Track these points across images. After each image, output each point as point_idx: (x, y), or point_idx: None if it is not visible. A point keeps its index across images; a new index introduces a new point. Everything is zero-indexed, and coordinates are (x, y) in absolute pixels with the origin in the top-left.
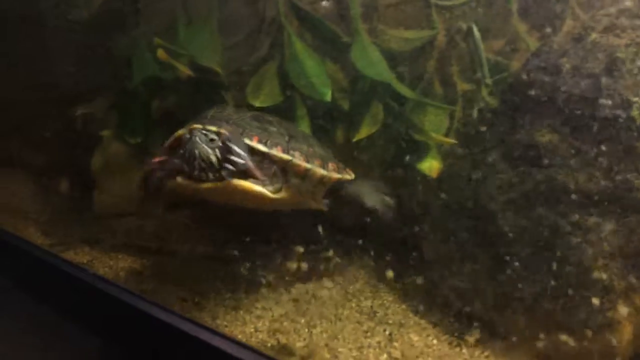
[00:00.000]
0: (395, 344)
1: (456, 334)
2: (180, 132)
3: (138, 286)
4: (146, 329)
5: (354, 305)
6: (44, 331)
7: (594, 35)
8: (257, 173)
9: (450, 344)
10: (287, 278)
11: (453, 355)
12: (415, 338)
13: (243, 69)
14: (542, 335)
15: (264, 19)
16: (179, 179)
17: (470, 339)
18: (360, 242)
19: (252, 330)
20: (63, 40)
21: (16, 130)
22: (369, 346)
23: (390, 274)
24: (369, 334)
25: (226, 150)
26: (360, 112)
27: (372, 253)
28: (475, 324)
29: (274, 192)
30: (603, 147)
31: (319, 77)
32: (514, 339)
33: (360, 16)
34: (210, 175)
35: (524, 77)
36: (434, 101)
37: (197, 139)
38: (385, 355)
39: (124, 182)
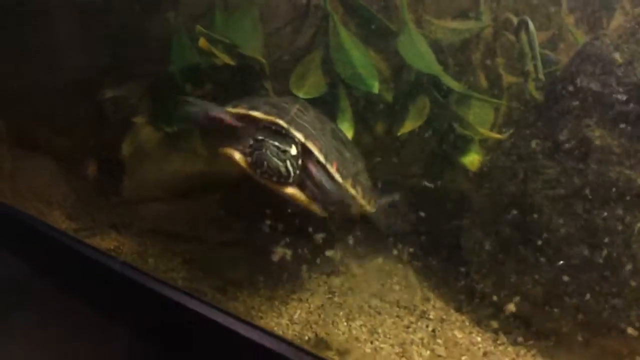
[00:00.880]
0: (439, 340)
1: (501, 332)
2: (255, 114)
3: (167, 274)
4: (177, 320)
5: (392, 299)
6: (68, 320)
7: None
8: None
9: (494, 341)
10: (323, 269)
11: (499, 353)
12: (459, 335)
13: (284, 58)
14: (589, 336)
15: (307, 5)
16: (236, 155)
17: (516, 338)
18: (398, 238)
19: (288, 322)
20: (93, 22)
21: (43, 115)
22: (412, 342)
23: (429, 269)
24: (410, 329)
25: (302, 166)
26: (404, 104)
27: (411, 249)
28: (521, 322)
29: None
30: None
31: (366, 68)
32: (561, 339)
33: (406, 5)
34: (274, 178)
35: (573, 70)
36: (479, 94)
37: (269, 152)
38: (428, 352)
39: (154, 169)
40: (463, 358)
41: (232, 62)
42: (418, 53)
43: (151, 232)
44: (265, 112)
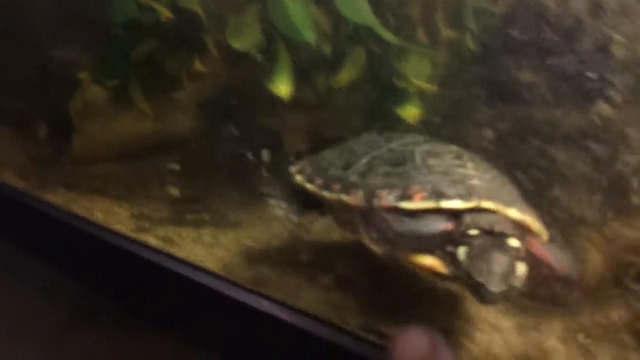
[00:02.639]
0: None
1: None
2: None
3: (115, 227)
4: (125, 268)
5: None
6: (16, 269)
7: None
8: None
9: None
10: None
11: None
12: None
13: (224, 11)
14: None
15: None
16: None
17: None
18: None
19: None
20: None
21: None
22: None
23: None
24: None
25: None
26: (342, 57)
27: None
28: None
29: None
30: (581, 84)
31: (302, 20)
32: None
33: None
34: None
35: (508, 19)
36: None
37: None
38: None
39: (103, 128)
40: None
41: (170, 16)
42: (353, 5)
43: (100, 191)
44: (462, 196)
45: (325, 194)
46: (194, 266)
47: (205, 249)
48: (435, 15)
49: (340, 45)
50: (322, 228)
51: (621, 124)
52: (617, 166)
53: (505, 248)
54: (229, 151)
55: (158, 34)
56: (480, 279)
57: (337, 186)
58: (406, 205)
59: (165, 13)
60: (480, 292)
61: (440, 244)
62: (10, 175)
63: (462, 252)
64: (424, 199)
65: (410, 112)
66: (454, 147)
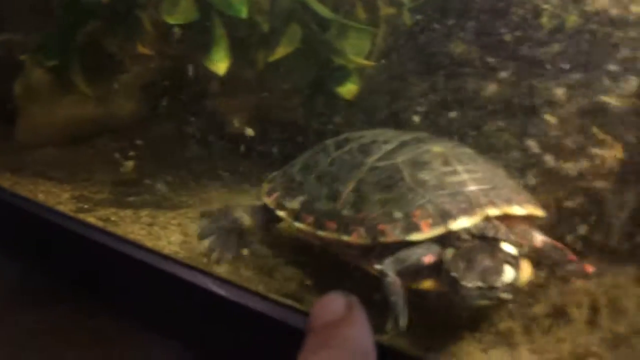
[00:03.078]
0: None
1: None
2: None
3: (56, 207)
4: (66, 247)
5: None
6: None
7: None
8: None
9: None
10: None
11: None
12: None
13: None
14: None
15: None
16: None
17: None
18: None
19: (166, 243)
20: None
21: None
22: None
23: None
24: None
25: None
26: (278, 33)
27: None
28: None
29: None
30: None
31: None
32: None
33: None
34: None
35: None
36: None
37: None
38: None
39: (46, 112)
40: None
41: None
42: None
43: (44, 174)
44: (466, 211)
45: (322, 234)
46: (132, 243)
47: (144, 228)
48: None
49: (277, 21)
50: None
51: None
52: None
53: (495, 251)
54: (173, 134)
55: (98, 14)
56: (455, 274)
57: (332, 224)
58: (415, 236)
59: None
60: (453, 288)
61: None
62: None
63: (449, 252)
64: (432, 225)
65: (349, 89)
66: (435, 149)
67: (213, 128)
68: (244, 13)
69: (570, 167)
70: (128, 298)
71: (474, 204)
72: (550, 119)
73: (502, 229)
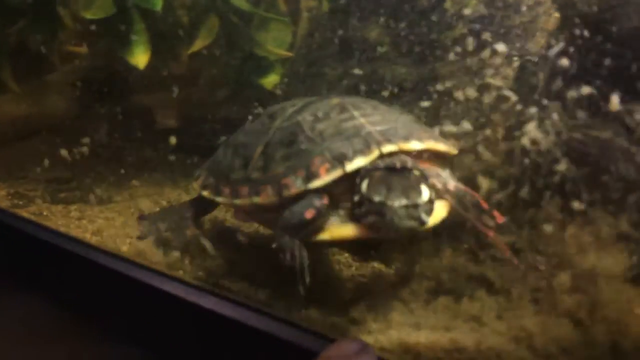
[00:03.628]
0: None
1: None
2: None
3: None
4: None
5: None
6: None
7: None
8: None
9: None
10: None
11: None
12: None
13: None
14: None
15: None
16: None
17: None
18: None
19: (89, 235)
20: None
21: None
22: None
23: None
24: None
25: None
26: (198, 26)
27: None
28: None
29: None
30: (418, 39)
31: None
32: None
33: None
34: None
35: None
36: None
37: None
38: None
39: None
40: None
41: None
42: None
43: None
44: (362, 151)
45: (237, 202)
46: (61, 234)
47: (73, 222)
48: None
49: (196, 14)
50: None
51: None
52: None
53: (408, 175)
54: (104, 130)
55: (23, 13)
56: (379, 198)
57: (244, 190)
58: (316, 183)
59: None
60: (379, 213)
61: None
62: None
63: (364, 185)
64: (329, 170)
65: (270, 80)
66: (334, 100)
67: (140, 123)
68: (158, 6)
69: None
70: (63, 287)
71: (370, 143)
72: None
73: (410, 161)
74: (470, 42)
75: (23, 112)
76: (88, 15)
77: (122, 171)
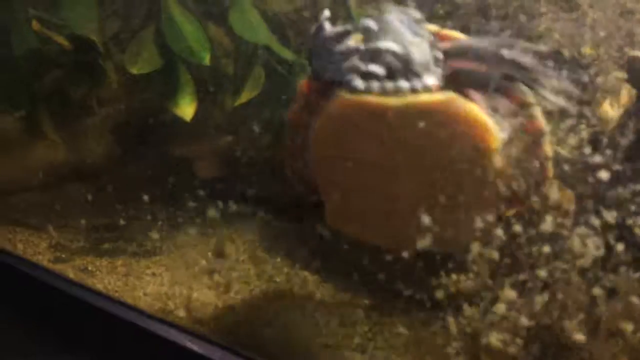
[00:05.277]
0: None
1: None
2: None
3: (34, 257)
4: (44, 298)
5: None
6: None
7: None
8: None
9: None
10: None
11: None
12: None
13: (121, 37)
14: None
15: None
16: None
17: None
18: None
19: (141, 294)
20: None
21: None
22: None
23: None
24: None
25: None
26: (243, 76)
27: None
28: None
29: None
30: None
31: (197, 41)
32: None
33: None
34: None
35: None
36: None
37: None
38: None
39: (19, 158)
40: None
41: (66, 44)
42: (248, 24)
43: (20, 221)
44: None
45: None
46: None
47: (120, 279)
48: None
49: (241, 64)
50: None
51: None
52: None
53: None
54: (144, 177)
55: (61, 63)
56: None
57: None
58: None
59: (61, 41)
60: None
61: None
62: None
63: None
64: None
65: None
66: None
67: (182, 170)
68: (206, 60)
69: None
70: (107, 349)
71: None
72: None
73: None
74: None
75: (60, 158)
76: (134, 70)
77: (164, 220)
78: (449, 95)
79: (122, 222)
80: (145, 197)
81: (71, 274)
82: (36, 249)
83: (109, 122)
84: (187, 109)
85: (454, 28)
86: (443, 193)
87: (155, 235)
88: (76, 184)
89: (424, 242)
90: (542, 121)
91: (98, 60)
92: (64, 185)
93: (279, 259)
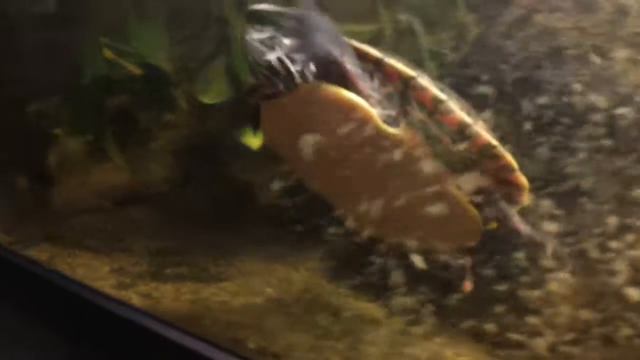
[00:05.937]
0: None
1: None
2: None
3: (96, 283)
4: (105, 324)
5: None
6: (4, 330)
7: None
8: (361, 83)
9: None
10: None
11: None
12: None
13: (192, 65)
14: None
15: (211, 14)
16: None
17: None
18: None
19: (209, 322)
20: (14, 35)
21: None
22: None
23: None
24: None
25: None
26: None
27: None
28: None
29: (386, 123)
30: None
31: None
32: None
33: None
34: (281, 86)
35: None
36: None
37: (248, 38)
38: None
39: (81, 180)
40: None
41: (137, 71)
42: None
43: (81, 243)
44: None
45: None
46: (175, 327)
47: (186, 306)
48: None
49: None
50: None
51: None
52: None
53: None
54: (206, 200)
55: (129, 89)
56: None
57: None
58: None
59: (132, 69)
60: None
61: None
62: None
63: None
64: None
65: None
66: None
67: (246, 196)
68: None
69: None
70: None
71: None
72: None
73: None
74: None
75: (123, 181)
76: (205, 100)
77: (227, 245)
78: (313, 84)
79: (184, 246)
80: (208, 221)
81: (135, 300)
82: (97, 273)
83: (172, 145)
84: (254, 140)
85: None
86: (342, 155)
87: (219, 260)
88: (137, 206)
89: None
90: (432, 89)
91: (168, 87)
92: (126, 208)
93: (343, 290)
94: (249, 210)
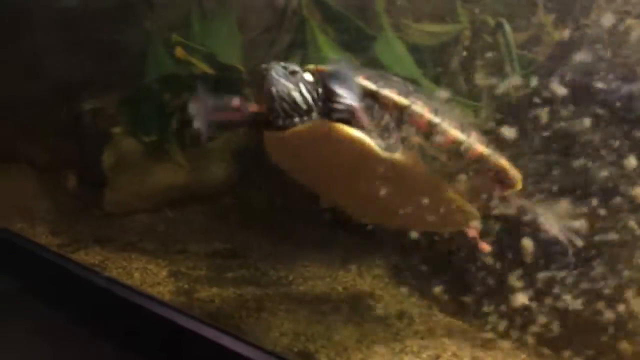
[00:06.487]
0: None
1: None
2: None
3: (154, 288)
4: (164, 334)
5: None
6: (54, 337)
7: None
8: (364, 118)
9: None
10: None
11: None
12: None
13: (263, 65)
14: None
15: (284, 11)
16: (266, 132)
17: None
18: None
19: (277, 334)
20: (72, 33)
21: (21, 126)
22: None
23: None
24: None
25: (320, 88)
26: None
27: None
28: None
29: (386, 150)
30: None
31: None
32: None
33: (384, 10)
34: (297, 119)
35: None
36: (458, 97)
37: (273, 73)
38: None
39: (136, 180)
40: None
41: (210, 71)
42: (396, 57)
43: (135, 245)
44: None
45: None
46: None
47: (252, 314)
48: (476, 64)
49: None
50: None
51: None
52: None
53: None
54: (265, 202)
55: (194, 87)
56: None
57: None
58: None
59: (206, 69)
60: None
61: None
62: (42, 231)
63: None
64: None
65: None
66: None
67: (304, 197)
68: None
69: None
70: None
71: None
72: None
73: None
74: None
75: (181, 181)
76: None
77: (287, 248)
78: (317, 122)
79: (241, 249)
80: (265, 224)
81: (197, 309)
82: (155, 278)
83: (230, 144)
84: None
85: None
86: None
87: (279, 264)
88: (194, 207)
89: None
90: (426, 114)
91: (237, 87)
92: (182, 208)
93: (414, 298)
94: (309, 213)
